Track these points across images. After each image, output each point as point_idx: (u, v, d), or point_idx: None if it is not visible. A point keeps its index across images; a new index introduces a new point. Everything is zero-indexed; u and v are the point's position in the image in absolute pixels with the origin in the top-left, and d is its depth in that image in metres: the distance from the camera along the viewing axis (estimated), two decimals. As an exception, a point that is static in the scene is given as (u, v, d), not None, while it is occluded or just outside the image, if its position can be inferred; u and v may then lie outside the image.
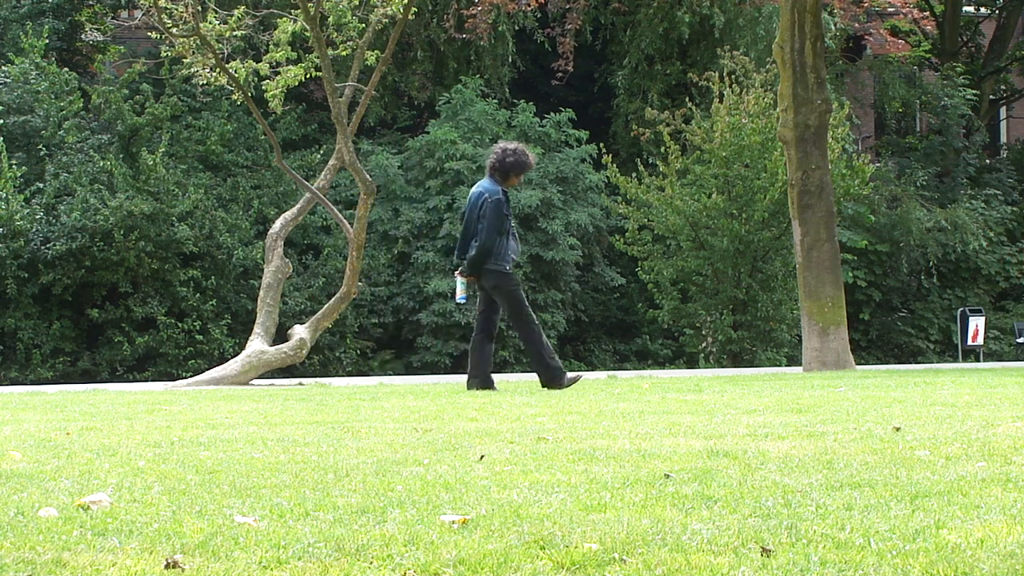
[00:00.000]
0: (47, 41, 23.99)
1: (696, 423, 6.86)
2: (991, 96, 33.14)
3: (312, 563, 3.30)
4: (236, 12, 16.21)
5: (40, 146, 23.14)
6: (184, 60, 16.73)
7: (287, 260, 17.15)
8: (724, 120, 22.49)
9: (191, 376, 17.96)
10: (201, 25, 15.66)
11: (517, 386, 12.41)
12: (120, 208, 21.75)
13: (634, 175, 23.29)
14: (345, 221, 17.28)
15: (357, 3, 16.32)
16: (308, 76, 16.88)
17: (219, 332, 22.70)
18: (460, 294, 11.24)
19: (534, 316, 11.22)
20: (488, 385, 11.07)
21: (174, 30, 15.98)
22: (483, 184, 11.16)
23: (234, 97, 18.70)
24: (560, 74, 25.47)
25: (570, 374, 11.36)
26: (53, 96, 23.51)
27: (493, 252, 10.90)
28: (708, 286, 23.22)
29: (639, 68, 26.73)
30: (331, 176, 17.57)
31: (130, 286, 22.53)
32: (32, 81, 23.55)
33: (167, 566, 3.25)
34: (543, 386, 11.07)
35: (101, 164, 22.62)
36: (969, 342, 26.58)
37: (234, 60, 16.84)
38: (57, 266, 21.87)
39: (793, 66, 16.53)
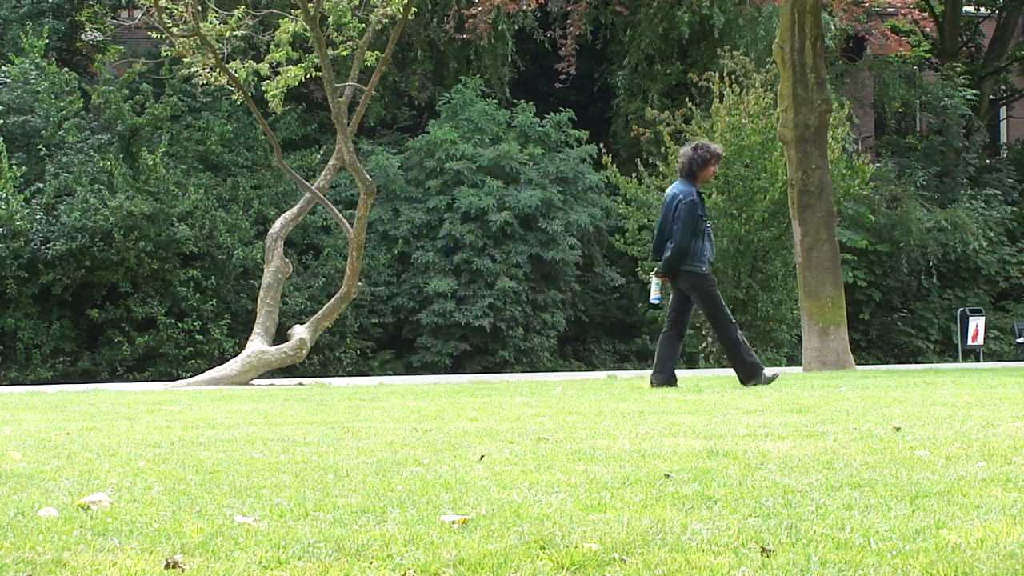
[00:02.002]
0: (47, 41, 23.99)
1: (696, 423, 6.85)
2: (991, 96, 33.12)
3: (312, 563, 3.29)
4: (236, 12, 16.22)
5: (40, 146, 23.13)
6: (184, 60, 16.74)
7: (287, 260, 17.16)
8: (724, 120, 22.49)
9: (191, 376, 17.97)
10: (201, 25, 15.66)
11: (517, 386, 12.42)
12: (120, 208, 21.74)
13: (634, 175, 23.28)
14: (345, 221, 17.29)
15: (357, 3, 16.33)
16: (308, 76, 16.89)
17: (219, 332, 22.68)
18: (654, 295, 11.28)
19: (730, 315, 11.22)
20: (671, 382, 10.98)
21: (174, 30, 15.99)
22: (676, 186, 11.19)
23: (234, 97, 18.71)
24: (563, 76, 25.47)
25: (768, 371, 11.26)
26: (53, 96, 23.50)
27: (689, 253, 10.93)
28: (708, 286, 23.18)
29: (639, 68, 26.72)
30: (331, 176, 17.57)
31: (130, 286, 22.51)
32: (32, 81, 23.54)
33: (167, 566, 3.25)
34: (741, 383, 10.96)
35: (101, 164, 22.60)
36: (969, 342, 26.58)
37: (234, 60, 16.86)
38: (57, 266, 21.86)
39: (793, 66, 16.53)
